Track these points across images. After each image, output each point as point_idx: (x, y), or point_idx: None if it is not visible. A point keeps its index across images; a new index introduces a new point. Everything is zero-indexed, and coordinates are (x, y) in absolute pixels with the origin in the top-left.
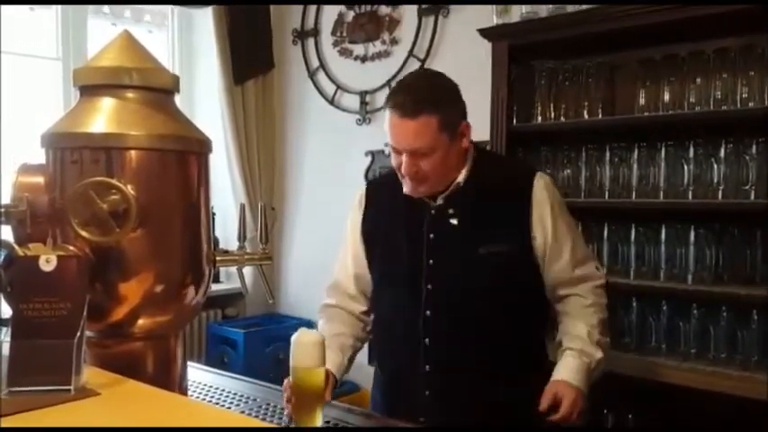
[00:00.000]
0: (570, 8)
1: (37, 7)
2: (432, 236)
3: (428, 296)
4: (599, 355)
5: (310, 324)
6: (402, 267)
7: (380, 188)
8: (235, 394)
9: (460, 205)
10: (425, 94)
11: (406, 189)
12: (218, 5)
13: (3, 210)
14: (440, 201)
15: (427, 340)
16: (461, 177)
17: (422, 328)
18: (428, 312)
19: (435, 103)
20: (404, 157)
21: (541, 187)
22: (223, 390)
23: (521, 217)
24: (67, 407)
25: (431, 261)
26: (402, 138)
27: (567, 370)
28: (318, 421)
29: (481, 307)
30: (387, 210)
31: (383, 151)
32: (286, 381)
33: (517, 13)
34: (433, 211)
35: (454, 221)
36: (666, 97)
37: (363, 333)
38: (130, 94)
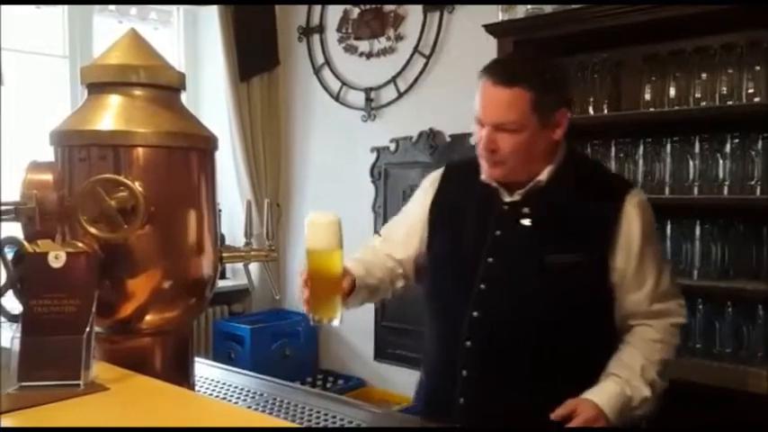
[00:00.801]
0: (575, 5)
1: (43, 5)
2: (498, 233)
3: (479, 296)
4: (646, 393)
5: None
6: (458, 260)
7: (458, 171)
8: (242, 389)
9: (537, 205)
10: (526, 67)
11: (483, 171)
12: (223, 4)
13: (12, 207)
14: (515, 196)
15: (469, 342)
16: (544, 176)
17: (466, 329)
18: (475, 313)
19: (534, 79)
20: (485, 131)
21: (635, 204)
22: (230, 385)
23: (604, 233)
24: (77, 401)
25: (490, 259)
26: (490, 107)
27: (602, 393)
28: (337, 314)
29: (534, 318)
30: (458, 195)
31: (388, 147)
32: (301, 267)
33: (522, 9)
34: (505, 207)
35: (526, 222)
36: (672, 93)
37: (389, 285)
38: (138, 92)
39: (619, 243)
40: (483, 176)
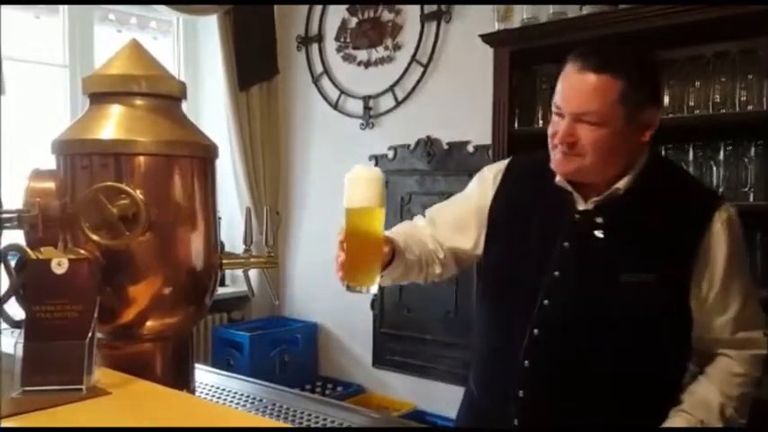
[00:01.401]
0: (570, 13)
1: (43, 15)
2: (566, 244)
3: (541, 312)
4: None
5: (315, 326)
6: (522, 272)
7: (525, 170)
8: (241, 395)
9: (612, 216)
10: (619, 55)
11: (553, 163)
12: (222, 13)
13: (15, 215)
14: (588, 205)
15: (527, 362)
16: (623, 183)
17: (524, 348)
18: (536, 331)
19: (627, 68)
20: (564, 122)
21: (724, 222)
22: (230, 391)
23: (687, 251)
24: (79, 406)
25: (556, 273)
26: (572, 94)
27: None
28: (375, 281)
29: (602, 341)
30: (524, 197)
31: (386, 155)
32: (339, 228)
33: (518, 18)
34: (576, 216)
35: (599, 234)
36: (666, 101)
37: (426, 266)
38: (139, 101)
39: (702, 265)
40: (553, 168)
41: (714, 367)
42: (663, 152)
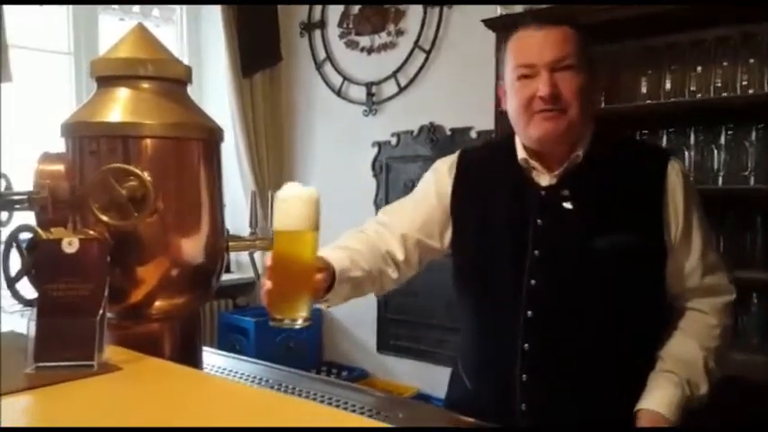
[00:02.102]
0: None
1: (47, 4)
2: (539, 222)
3: (531, 294)
4: (704, 389)
5: (320, 311)
6: (501, 259)
7: (476, 160)
8: (248, 375)
9: (577, 186)
10: (567, 15)
11: (535, 131)
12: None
13: (26, 196)
14: (552, 179)
15: (527, 345)
16: (581, 149)
17: (521, 330)
18: (530, 313)
19: (577, 25)
20: (541, 77)
21: (677, 173)
22: (236, 371)
23: (651, 205)
24: (91, 381)
25: (536, 252)
26: (545, 45)
27: (664, 402)
28: (302, 313)
29: (594, 309)
30: (482, 184)
31: (389, 142)
32: (266, 256)
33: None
34: (542, 192)
35: (568, 205)
36: (668, 85)
37: (378, 277)
38: (145, 85)
39: (667, 212)
40: (538, 134)
41: (689, 322)
42: (665, 136)
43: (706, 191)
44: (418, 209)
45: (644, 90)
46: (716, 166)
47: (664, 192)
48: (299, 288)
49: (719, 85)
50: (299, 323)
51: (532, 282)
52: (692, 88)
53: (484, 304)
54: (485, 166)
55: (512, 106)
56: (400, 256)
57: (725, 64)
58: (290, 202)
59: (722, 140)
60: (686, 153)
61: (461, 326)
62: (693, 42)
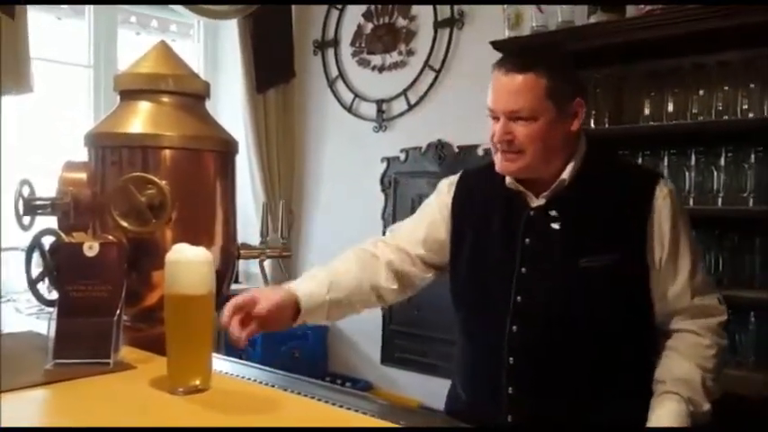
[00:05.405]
0: (578, 22)
1: (65, 17)
2: (527, 240)
3: (516, 309)
4: (707, 407)
5: (326, 327)
6: (489, 274)
7: (477, 178)
8: (255, 381)
9: (564, 208)
10: (539, 56)
11: (498, 166)
12: (242, 18)
13: (49, 202)
14: (540, 200)
15: (512, 359)
16: (567, 174)
17: (506, 345)
18: (515, 328)
19: (548, 66)
20: (500, 122)
21: (665, 195)
22: (243, 376)
23: (636, 228)
24: (107, 377)
25: (523, 269)
26: (502, 94)
27: (675, 415)
28: (197, 378)
29: (578, 326)
30: (480, 203)
31: (398, 157)
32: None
33: (528, 26)
34: (531, 213)
35: (555, 226)
36: (670, 107)
37: (369, 294)
38: (166, 99)
39: (652, 236)
40: (498, 170)
41: (683, 343)
42: (666, 157)
43: (706, 211)
44: (421, 226)
45: (647, 112)
46: (716, 187)
47: (650, 214)
48: (197, 353)
49: (720, 108)
50: (203, 386)
51: (518, 298)
52: (693, 111)
53: (475, 319)
54: (482, 185)
55: None
56: (401, 268)
57: (726, 88)
58: (181, 264)
59: (722, 162)
60: (687, 174)
61: (456, 340)
62: (696, 66)
